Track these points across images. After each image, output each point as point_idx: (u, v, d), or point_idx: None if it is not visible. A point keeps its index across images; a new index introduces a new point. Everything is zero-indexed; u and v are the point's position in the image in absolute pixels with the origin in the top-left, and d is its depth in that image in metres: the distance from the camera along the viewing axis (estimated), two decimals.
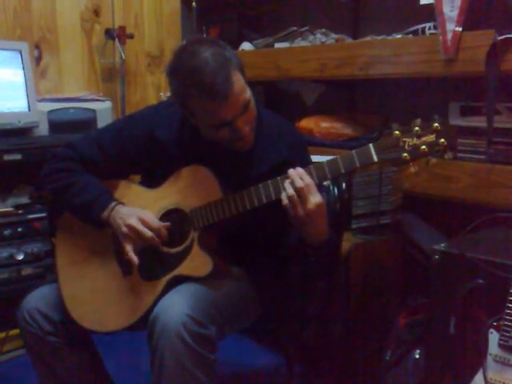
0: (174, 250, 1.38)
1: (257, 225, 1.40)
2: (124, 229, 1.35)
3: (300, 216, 1.24)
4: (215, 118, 1.28)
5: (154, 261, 1.38)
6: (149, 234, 1.34)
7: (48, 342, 1.42)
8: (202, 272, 1.33)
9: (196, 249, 1.35)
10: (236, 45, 2.54)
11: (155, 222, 1.36)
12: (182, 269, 1.35)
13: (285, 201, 1.25)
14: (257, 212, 1.32)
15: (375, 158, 1.21)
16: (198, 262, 1.34)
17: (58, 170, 1.46)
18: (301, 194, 1.22)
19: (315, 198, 1.23)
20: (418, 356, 1.61)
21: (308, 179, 1.23)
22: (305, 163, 1.34)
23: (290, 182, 1.24)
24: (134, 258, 1.35)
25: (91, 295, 1.43)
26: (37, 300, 1.44)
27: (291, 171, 1.25)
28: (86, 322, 1.41)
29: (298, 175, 1.24)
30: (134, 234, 1.34)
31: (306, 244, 1.32)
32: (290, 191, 1.23)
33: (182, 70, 1.27)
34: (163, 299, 1.30)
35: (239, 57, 1.32)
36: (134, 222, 1.34)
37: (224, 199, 1.33)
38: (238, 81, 1.26)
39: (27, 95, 2.29)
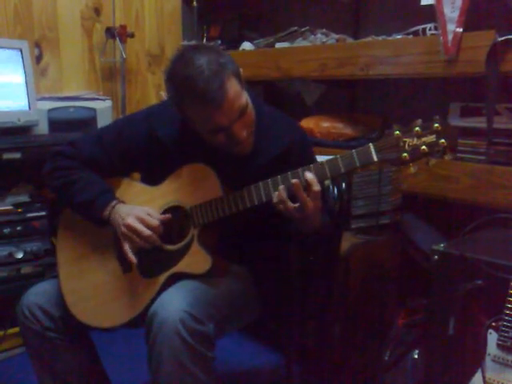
0: (173, 247, 1.38)
1: (257, 222, 1.40)
2: (123, 228, 1.35)
3: (296, 218, 1.27)
4: (211, 124, 1.28)
5: (154, 258, 1.38)
6: (147, 232, 1.34)
7: (47, 337, 1.42)
8: (201, 269, 1.33)
9: (195, 246, 1.35)
10: (236, 44, 2.54)
11: (153, 220, 1.35)
12: (181, 266, 1.35)
13: (280, 206, 1.26)
14: (257, 210, 1.32)
15: (375, 158, 1.22)
16: (197, 259, 1.34)
17: (60, 168, 1.46)
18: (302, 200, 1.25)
19: (315, 204, 1.26)
20: (416, 356, 1.61)
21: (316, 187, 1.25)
22: (308, 158, 1.36)
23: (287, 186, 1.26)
24: (133, 258, 1.35)
25: (91, 291, 1.43)
26: (37, 295, 1.44)
27: (295, 180, 1.25)
28: (86, 318, 1.41)
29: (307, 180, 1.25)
30: (133, 234, 1.35)
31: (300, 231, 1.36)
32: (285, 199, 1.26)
33: (177, 78, 1.27)
34: (161, 296, 1.30)
35: (236, 62, 1.31)
36: (132, 221, 1.34)
37: (224, 197, 1.34)
38: (233, 87, 1.26)
39: (27, 94, 2.29)
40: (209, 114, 1.26)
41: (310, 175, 1.24)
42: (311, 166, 1.27)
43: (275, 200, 1.27)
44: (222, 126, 1.27)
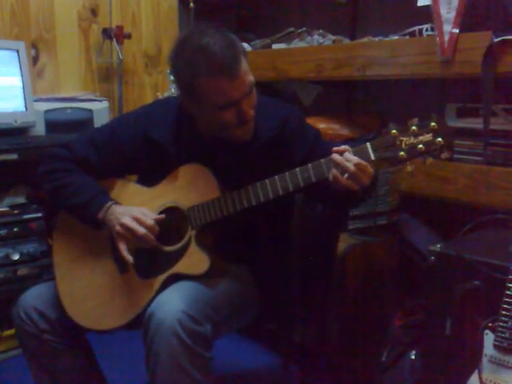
0: (171, 248, 1.38)
1: (255, 223, 1.40)
2: (118, 228, 1.35)
3: (355, 190, 1.24)
4: (224, 98, 1.27)
5: (151, 259, 1.38)
6: (142, 231, 1.34)
7: (44, 340, 1.41)
8: (199, 270, 1.33)
9: (193, 247, 1.35)
10: None
11: (149, 219, 1.35)
12: (179, 267, 1.35)
13: (344, 181, 1.21)
14: (255, 210, 1.32)
15: (372, 157, 1.22)
16: (194, 260, 1.34)
17: (54, 170, 1.45)
18: (357, 175, 1.21)
19: (369, 174, 1.22)
20: (413, 357, 1.61)
21: (356, 159, 1.21)
22: (306, 136, 1.39)
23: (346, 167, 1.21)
24: (129, 257, 1.35)
25: (88, 293, 1.43)
26: (33, 298, 1.44)
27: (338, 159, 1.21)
28: (83, 320, 1.41)
29: (348, 161, 1.21)
30: (128, 233, 1.34)
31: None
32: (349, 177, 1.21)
33: (191, 50, 1.26)
34: (159, 296, 1.30)
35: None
36: (127, 220, 1.34)
37: (221, 197, 1.34)
38: (244, 62, 1.28)
39: (24, 95, 2.28)
40: (223, 85, 1.25)
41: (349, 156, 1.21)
42: (309, 165, 1.26)
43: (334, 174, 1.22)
44: (234, 100, 1.27)
